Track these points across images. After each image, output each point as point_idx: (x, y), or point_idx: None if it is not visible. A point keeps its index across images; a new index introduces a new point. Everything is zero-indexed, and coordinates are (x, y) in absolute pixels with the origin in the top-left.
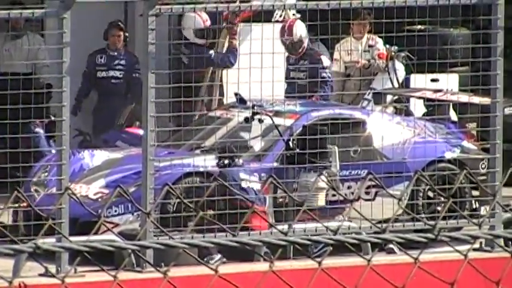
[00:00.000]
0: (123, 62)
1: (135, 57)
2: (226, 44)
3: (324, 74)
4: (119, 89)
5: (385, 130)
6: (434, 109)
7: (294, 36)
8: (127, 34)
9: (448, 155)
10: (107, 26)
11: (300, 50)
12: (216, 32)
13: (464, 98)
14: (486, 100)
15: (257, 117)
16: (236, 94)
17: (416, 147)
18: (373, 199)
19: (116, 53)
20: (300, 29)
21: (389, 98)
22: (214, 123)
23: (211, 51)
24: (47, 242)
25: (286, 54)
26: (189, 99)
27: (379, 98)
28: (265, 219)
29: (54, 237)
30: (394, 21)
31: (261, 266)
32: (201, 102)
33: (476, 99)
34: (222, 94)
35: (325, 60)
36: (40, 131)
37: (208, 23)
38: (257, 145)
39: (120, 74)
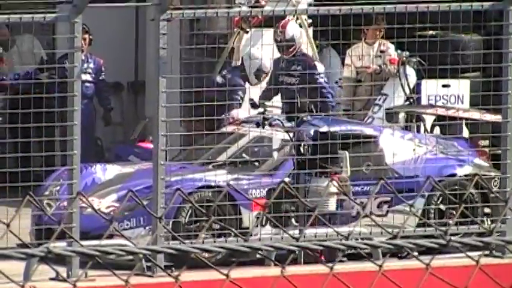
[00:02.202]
0: (91, 65)
1: (100, 60)
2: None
3: (320, 80)
4: (90, 92)
5: (397, 147)
6: (446, 126)
7: (286, 34)
8: (91, 37)
9: (460, 172)
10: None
11: (291, 50)
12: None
13: (476, 115)
14: (498, 118)
15: (268, 122)
16: (250, 100)
17: (428, 163)
18: (385, 215)
19: (83, 57)
20: (293, 29)
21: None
22: (226, 139)
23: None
24: (58, 246)
25: (275, 57)
26: (200, 104)
27: (391, 116)
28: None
29: (65, 242)
30: (405, 27)
31: (273, 270)
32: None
33: (488, 117)
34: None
35: (320, 67)
36: None
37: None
38: (268, 162)
39: (90, 77)
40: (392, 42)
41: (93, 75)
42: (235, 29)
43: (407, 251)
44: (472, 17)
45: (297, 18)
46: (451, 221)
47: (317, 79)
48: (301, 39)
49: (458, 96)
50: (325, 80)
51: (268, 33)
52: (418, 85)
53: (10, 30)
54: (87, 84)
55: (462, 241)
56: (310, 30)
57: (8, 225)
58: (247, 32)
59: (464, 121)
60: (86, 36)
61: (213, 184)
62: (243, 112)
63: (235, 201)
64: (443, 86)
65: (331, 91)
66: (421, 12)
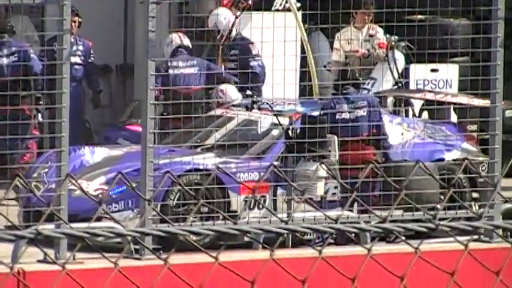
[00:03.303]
0: (80, 47)
1: (89, 43)
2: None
3: (253, 63)
4: (79, 75)
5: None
6: (435, 111)
7: (210, 22)
8: (80, 20)
9: (448, 157)
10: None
11: (218, 38)
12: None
13: (464, 99)
14: (486, 102)
15: (256, 105)
16: (236, 83)
17: (416, 148)
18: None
19: (73, 39)
20: (214, 18)
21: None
22: (214, 122)
23: None
24: (46, 228)
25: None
26: (188, 87)
27: (379, 100)
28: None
29: (54, 224)
30: (394, 11)
31: (261, 254)
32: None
33: (476, 102)
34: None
35: (254, 50)
36: None
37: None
38: (256, 145)
39: (79, 60)
40: (381, 27)
41: (82, 58)
42: None
43: (396, 235)
44: (461, 1)
45: (286, 2)
46: (439, 206)
47: (249, 61)
48: (227, 25)
49: (446, 81)
50: (258, 64)
51: (258, 17)
52: (406, 69)
53: (6, 11)
54: (76, 66)
55: (451, 225)
56: (299, 14)
57: None
58: (236, 16)
59: (452, 106)
60: (76, 18)
61: (201, 167)
62: (231, 88)
63: (223, 185)
64: (432, 70)
65: (262, 75)
66: None
